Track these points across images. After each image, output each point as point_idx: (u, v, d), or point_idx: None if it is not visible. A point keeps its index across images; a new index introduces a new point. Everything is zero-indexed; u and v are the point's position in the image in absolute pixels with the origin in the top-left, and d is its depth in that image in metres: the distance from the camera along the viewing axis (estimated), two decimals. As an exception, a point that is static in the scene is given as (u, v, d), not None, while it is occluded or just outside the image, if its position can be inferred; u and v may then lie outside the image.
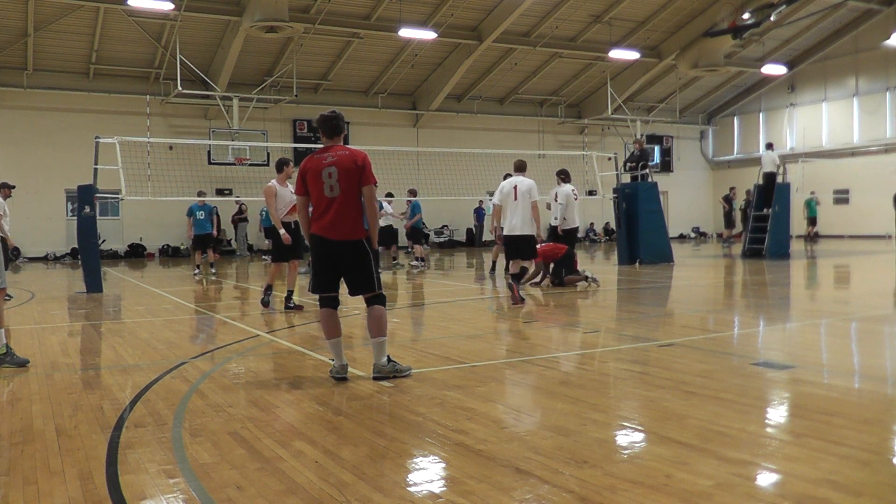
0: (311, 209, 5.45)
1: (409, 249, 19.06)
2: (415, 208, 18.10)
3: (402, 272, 16.97)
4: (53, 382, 5.54)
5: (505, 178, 11.27)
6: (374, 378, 5.37)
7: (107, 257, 24.15)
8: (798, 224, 26.10)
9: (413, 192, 18.56)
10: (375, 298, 5.41)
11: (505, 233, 9.97)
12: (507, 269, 10.59)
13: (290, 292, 9.79)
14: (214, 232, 17.17)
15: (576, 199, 12.78)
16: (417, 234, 18.50)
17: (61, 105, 24.90)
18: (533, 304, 10.37)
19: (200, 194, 17.11)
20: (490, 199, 15.36)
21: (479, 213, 30.80)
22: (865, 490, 3.10)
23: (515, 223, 9.82)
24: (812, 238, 29.42)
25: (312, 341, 7.37)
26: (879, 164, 29.72)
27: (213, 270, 17.19)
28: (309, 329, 8.28)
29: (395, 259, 18.57)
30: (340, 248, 5.30)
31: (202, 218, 16.68)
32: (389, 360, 5.44)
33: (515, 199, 9.83)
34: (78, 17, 22.39)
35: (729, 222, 25.93)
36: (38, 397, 5.05)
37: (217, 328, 8.66)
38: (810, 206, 29.63)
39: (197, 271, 16.67)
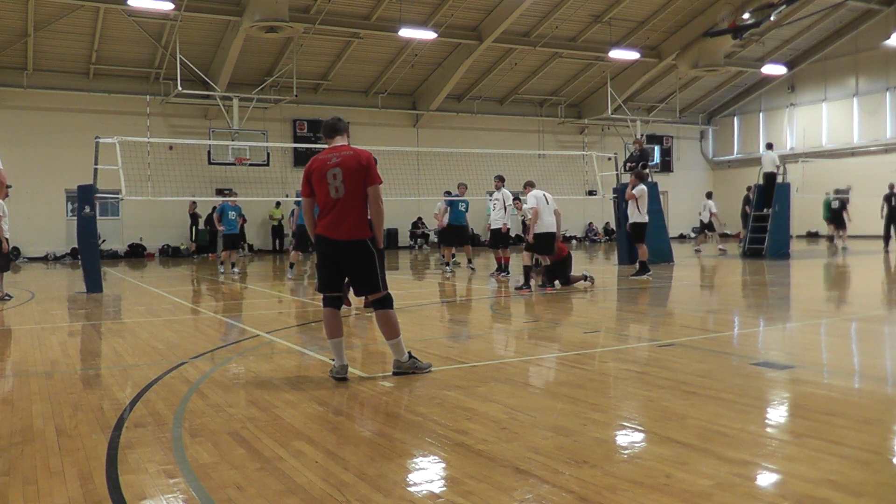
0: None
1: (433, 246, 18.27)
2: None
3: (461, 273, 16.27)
4: (53, 382, 5.54)
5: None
6: (394, 374, 5.44)
7: (107, 257, 24.14)
8: (798, 224, 26.03)
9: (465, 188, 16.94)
10: (381, 301, 5.41)
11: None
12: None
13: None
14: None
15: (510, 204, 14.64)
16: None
17: (61, 105, 24.89)
18: (533, 304, 10.36)
19: (231, 193, 17.19)
20: (490, 199, 15.26)
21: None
22: (865, 490, 3.10)
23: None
24: (838, 239, 27.36)
25: (312, 341, 7.37)
26: (879, 164, 29.71)
27: (237, 269, 17.46)
28: (309, 329, 8.28)
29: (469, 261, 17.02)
30: (344, 248, 5.30)
31: (233, 218, 16.93)
32: (410, 356, 5.50)
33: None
34: (78, 17, 22.38)
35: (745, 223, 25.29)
36: (38, 397, 5.04)
37: (217, 328, 8.66)
38: (828, 206, 28.89)
39: (223, 270, 17.00)
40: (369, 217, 5.35)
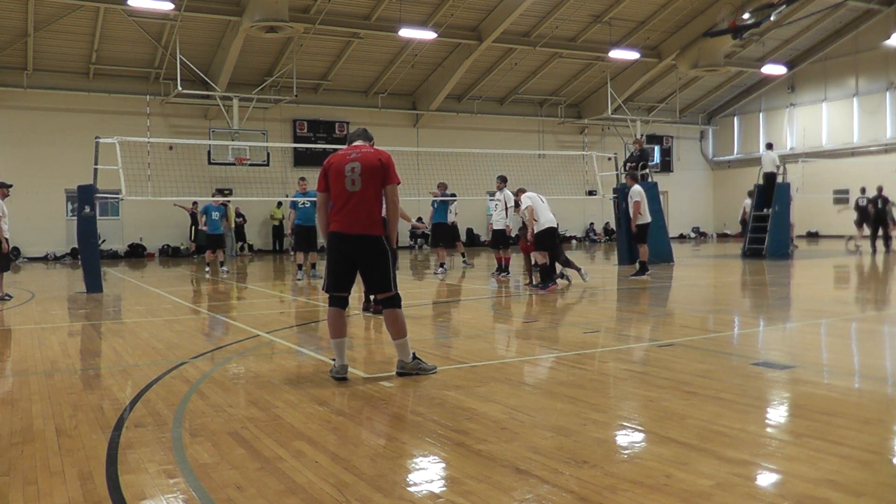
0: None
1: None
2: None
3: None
4: (53, 382, 5.53)
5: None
6: (398, 374, 5.44)
7: (107, 257, 24.14)
8: (798, 224, 25.93)
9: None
10: (390, 300, 5.42)
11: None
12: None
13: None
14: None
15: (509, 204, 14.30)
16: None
17: (61, 105, 24.89)
18: (533, 304, 10.36)
19: (216, 193, 17.20)
20: (491, 200, 15.29)
21: None
22: (865, 490, 3.10)
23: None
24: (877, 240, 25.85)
25: (312, 341, 7.37)
26: (879, 164, 29.71)
27: (226, 269, 17.47)
28: (308, 329, 8.28)
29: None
30: (357, 243, 5.31)
31: (216, 218, 16.87)
32: (415, 357, 5.49)
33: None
34: (78, 17, 22.39)
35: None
36: (38, 397, 5.04)
37: (217, 328, 8.66)
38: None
39: (207, 269, 17.08)
40: (384, 216, 5.41)
